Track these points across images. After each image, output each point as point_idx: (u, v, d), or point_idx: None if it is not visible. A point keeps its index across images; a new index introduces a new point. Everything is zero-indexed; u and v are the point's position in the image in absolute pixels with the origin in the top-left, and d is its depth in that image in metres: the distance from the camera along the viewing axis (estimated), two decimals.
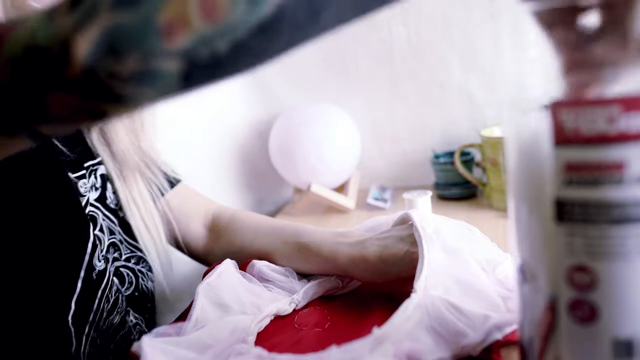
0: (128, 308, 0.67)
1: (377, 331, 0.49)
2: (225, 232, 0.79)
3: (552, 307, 0.37)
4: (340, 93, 1.24)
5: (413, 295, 0.54)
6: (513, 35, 0.40)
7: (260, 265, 0.67)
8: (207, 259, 0.81)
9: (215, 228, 0.81)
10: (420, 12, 1.11)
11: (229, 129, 1.23)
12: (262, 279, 0.66)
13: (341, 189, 1.21)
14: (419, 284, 0.55)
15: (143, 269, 0.71)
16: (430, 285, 0.55)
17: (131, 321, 0.67)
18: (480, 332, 0.49)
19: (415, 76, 1.17)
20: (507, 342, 0.50)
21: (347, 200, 1.14)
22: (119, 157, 0.69)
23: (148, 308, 0.72)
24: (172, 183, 0.81)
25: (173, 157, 0.86)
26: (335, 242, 0.65)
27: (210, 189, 0.94)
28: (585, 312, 0.35)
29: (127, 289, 0.69)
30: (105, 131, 0.68)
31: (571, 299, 0.36)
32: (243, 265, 0.68)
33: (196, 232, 0.81)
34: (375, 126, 1.25)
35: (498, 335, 0.49)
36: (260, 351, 0.50)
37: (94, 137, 0.69)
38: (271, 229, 0.74)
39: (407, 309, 0.52)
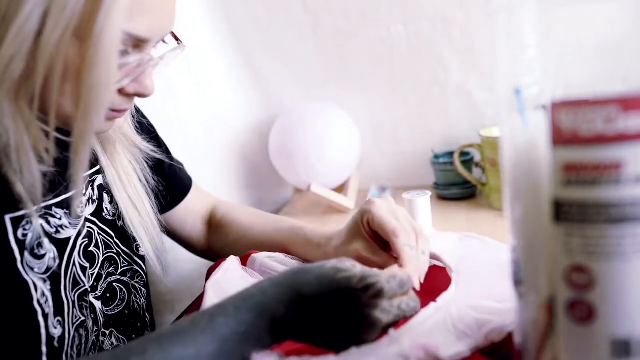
0: (112, 329, 0.66)
1: (394, 332, 0.49)
2: (221, 225, 0.83)
3: (549, 307, 0.37)
4: (340, 93, 1.24)
5: (432, 303, 0.54)
6: (510, 35, 0.40)
7: (261, 258, 0.68)
8: (208, 253, 0.86)
9: (212, 222, 0.85)
10: (420, 12, 1.11)
11: (229, 129, 1.23)
12: (265, 273, 0.67)
13: (341, 189, 1.22)
14: (443, 297, 0.56)
15: (137, 284, 0.71)
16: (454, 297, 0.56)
17: (112, 344, 0.66)
18: (506, 316, 0.49)
19: (415, 76, 1.17)
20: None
21: (347, 200, 1.14)
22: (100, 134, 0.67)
23: (137, 327, 0.71)
24: (187, 186, 0.84)
25: (173, 157, 0.86)
26: (327, 235, 0.70)
27: (211, 189, 0.94)
28: (583, 312, 0.35)
29: (117, 306, 0.67)
30: None
31: (569, 299, 0.36)
32: (243, 258, 0.69)
33: (199, 228, 0.85)
34: (375, 126, 1.25)
35: None
36: (278, 354, 0.51)
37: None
38: (264, 220, 0.80)
39: (426, 313, 0.53)
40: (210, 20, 1.17)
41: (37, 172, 0.53)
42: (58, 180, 0.58)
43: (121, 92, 0.56)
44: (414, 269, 0.58)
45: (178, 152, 0.88)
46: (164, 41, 0.59)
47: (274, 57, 1.24)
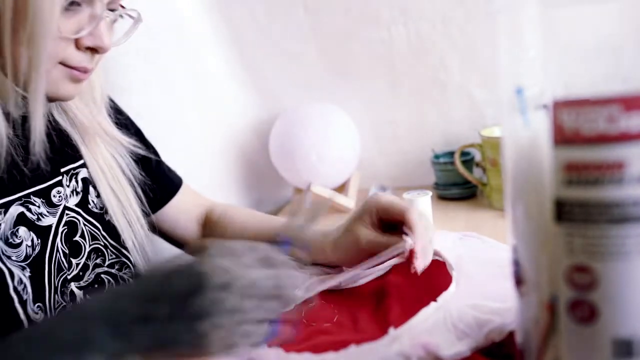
0: None
1: (394, 331, 0.49)
2: (217, 226, 0.83)
3: (551, 307, 0.37)
4: (340, 93, 1.24)
5: (432, 302, 0.54)
6: (511, 35, 0.40)
7: None
8: None
9: (208, 223, 0.85)
10: (420, 12, 1.11)
11: (228, 129, 1.23)
12: None
13: (341, 189, 1.21)
14: (443, 296, 0.56)
15: (125, 276, 0.71)
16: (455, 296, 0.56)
17: None
18: (507, 316, 0.49)
19: (415, 76, 1.17)
20: None
21: (347, 200, 1.14)
22: (79, 124, 0.69)
23: None
24: (177, 184, 0.84)
25: (173, 157, 0.86)
26: (323, 230, 0.71)
27: (210, 189, 0.94)
28: (585, 312, 0.35)
29: None
30: (64, 106, 0.68)
31: (571, 299, 0.36)
32: None
33: (193, 229, 0.85)
34: (375, 126, 1.25)
35: None
36: (278, 350, 0.51)
37: (53, 107, 0.68)
38: (259, 219, 0.81)
39: (427, 312, 0.53)
40: (210, 21, 1.17)
41: (3, 126, 0.55)
42: (37, 168, 0.60)
43: (78, 46, 0.57)
44: (421, 245, 0.61)
45: (178, 152, 0.88)
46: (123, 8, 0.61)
47: (274, 57, 1.24)
